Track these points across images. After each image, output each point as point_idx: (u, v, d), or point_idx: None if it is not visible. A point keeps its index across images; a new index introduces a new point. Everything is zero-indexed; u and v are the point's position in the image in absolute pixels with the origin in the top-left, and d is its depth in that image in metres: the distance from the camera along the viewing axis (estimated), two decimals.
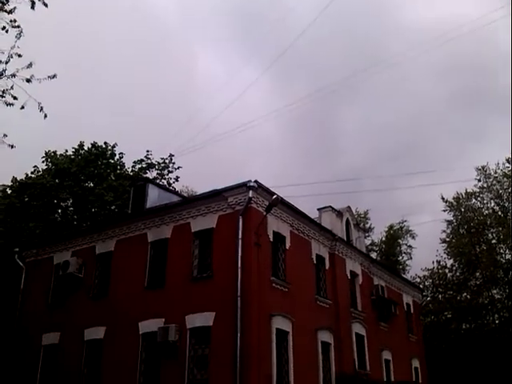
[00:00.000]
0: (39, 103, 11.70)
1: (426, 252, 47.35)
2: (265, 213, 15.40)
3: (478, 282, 38.30)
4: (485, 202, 38.39)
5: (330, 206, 21.00)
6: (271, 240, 15.94)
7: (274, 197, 15.10)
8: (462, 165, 66.85)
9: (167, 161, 28.98)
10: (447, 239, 39.23)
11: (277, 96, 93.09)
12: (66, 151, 27.41)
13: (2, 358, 19.54)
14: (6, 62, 11.15)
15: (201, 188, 34.23)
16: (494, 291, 37.83)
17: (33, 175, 26.09)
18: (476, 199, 38.70)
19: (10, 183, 25.64)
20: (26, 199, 24.40)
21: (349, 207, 22.86)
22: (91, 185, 26.85)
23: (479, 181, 37.92)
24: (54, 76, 12.09)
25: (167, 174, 29.06)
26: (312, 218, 19.08)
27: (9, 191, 25.22)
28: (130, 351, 15.81)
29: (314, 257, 18.24)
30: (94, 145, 27.62)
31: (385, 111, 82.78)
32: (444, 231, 39.53)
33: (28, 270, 20.39)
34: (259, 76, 72.14)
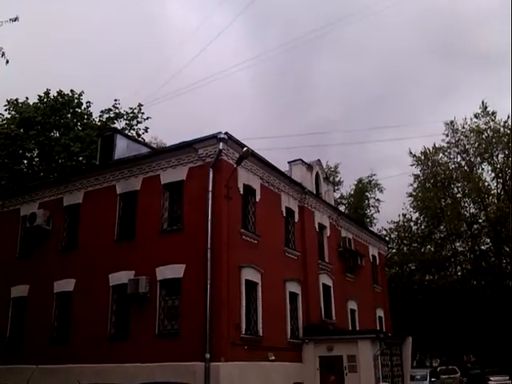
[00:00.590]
0: (0, 48, 11.16)
1: (392, 206, 48.54)
2: (235, 165, 15.33)
3: (441, 235, 39.54)
4: (452, 156, 39.21)
5: (301, 160, 21.05)
6: (241, 193, 15.96)
7: (245, 149, 15.01)
8: (432, 119, 67.65)
9: (136, 111, 28.23)
10: (413, 193, 40.07)
11: (249, 46, 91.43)
12: (27, 98, 26.44)
13: None
14: None
15: (170, 139, 33.84)
16: (458, 244, 39.21)
17: None
18: (443, 154, 39.41)
19: None
20: None
21: (319, 160, 22.96)
22: (57, 135, 26.13)
23: (447, 135, 38.51)
24: (16, 19, 11.48)
25: (136, 125, 28.35)
26: (282, 171, 19.12)
27: None
28: (100, 303, 15.86)
29: (283, 209, 18.39)
30: (59, 93, 26.67)
31: (358, 63, 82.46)
32: (411, 185, 40.35)
33: None
34: (231, 21, 70.40)
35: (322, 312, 19.51)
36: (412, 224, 40.44)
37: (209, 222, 14.35)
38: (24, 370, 15.35)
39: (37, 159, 26.24)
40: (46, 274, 17.39)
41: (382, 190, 44.42)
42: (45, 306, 17.12)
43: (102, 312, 15.74)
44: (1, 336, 17.91)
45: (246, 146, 15.24)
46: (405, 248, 40.85)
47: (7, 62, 11.68)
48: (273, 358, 15.67)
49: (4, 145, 23.66)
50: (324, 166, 26.75)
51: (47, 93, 26.60)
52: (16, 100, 26.19)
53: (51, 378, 14.95)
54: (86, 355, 15.26)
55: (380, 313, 25.94)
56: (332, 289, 20.68)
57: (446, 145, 38.80)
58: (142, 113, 28.39)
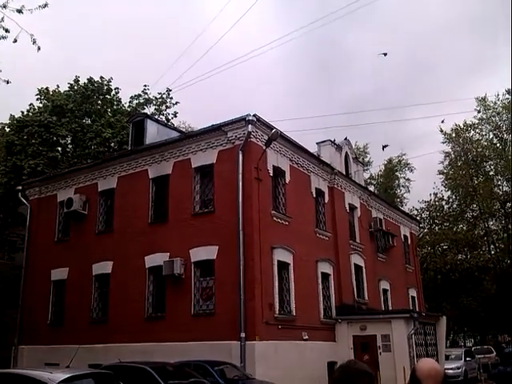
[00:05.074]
0: (31, 35, 11.35)
1: (423, 185, 47.95)
2: (264, 147, 15.42)
3: (474, 214, 38.74)
4: (483, 133, 38.22)
5: (330, 140, 20.96)
6: (271, 174, 16.08)
7: (274, 131, 15.07)
8: (465, 96, 66.05)
9: (165, 96, 28.49)
10: (445, 171, 39.39)
11: (278, 25, 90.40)
12: (58, 86, 26.90)
13: (13, 297, 20.17)
14: None
15: (198, 123, 33.92)
16: (490, 223, 38.39)
17: (29, 113, 25.75)
18: (475, 131, 38.51)
19: (7, 121, 25.35)
20: (25, 137, 24.23)
21: (348, 141, 22.82)
22: (89, 121, 26.58)
23: (479, 112, 37.55)
24: (46, 5, 11.64)
25: (165, 110, 28.65)
26: (311, 152, 19.11)
27: (7, 129, 25.01)
28: (137, 284, 16.33)
29: (313, 190, 18.44)
30: (89, 80, 27.03)
31: (387, 41, 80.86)
32: (441, 162, 39.65)
33: (32, 207, 20.61)
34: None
35: (355, 292, 19.59)
36: (444, 203, 39.71)
37: (240, 204, 14.55)
38: (65, 349, 15.91)
39: (70, 146, 26.76)
40: (84, 257, 17.93)
41: (412, 170, 43.92)
42: (84, 288, 17.69)
43: (140, 293, 16.20)
44: (43, 318, 18.59)
45: (274, 128, 15.30)
46: (437, 227, 40.20)
47: (39, 48, 11.91)
48: (306, 337, 15.88)
49: (38, 132, 24.19)
50: (353, 146, 26.58)
51: (77, 80, 26.94)
52: (46, 89, 26.65)
53: (91, 356, 15.45)
54: (125, 335, 15.78)
55: (413, 292, 25.88)
56: (364, 269, 20.71)
57: (477, 121, 37.91)
58: (171, 98, 28.64)
